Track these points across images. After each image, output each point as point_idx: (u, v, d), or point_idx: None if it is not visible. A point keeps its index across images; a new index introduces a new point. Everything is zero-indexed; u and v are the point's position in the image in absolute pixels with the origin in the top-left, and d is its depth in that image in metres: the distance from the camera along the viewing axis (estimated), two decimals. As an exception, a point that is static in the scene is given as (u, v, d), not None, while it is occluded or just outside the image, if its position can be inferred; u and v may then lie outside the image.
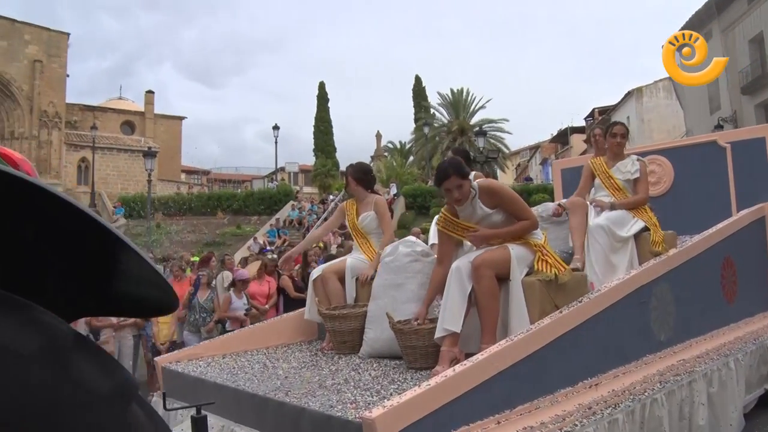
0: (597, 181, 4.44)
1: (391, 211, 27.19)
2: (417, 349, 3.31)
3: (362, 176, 4.44)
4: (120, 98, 44.21)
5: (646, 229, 4.11)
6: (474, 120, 36.93)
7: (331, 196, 33.73)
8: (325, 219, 26.57)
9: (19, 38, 35.28)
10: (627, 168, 4.29)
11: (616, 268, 3.92)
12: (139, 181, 35.14)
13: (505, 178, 38.00)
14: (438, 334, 3.16)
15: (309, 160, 43.57)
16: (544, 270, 3.34)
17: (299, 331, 4.34)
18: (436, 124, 36.99)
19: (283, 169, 43.91)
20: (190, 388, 3.42)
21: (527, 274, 3.37)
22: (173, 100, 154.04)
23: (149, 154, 29.14)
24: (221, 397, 3.12)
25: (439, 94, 38.76)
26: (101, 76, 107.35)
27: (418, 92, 41.57)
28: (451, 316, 3.16)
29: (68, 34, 37.24)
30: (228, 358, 3.83)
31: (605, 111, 37.66)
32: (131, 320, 7.40)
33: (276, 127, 34.05)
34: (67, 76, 37.00)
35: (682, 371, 3.72)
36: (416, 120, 39.20)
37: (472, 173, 4.95)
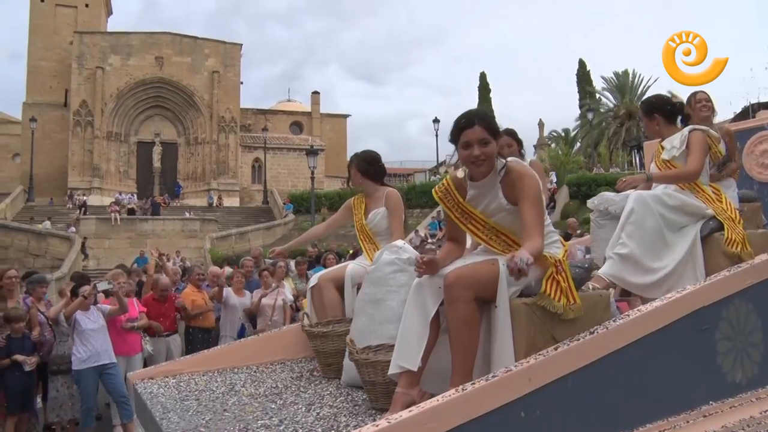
0: (653, 166, 3.46)
1: (554, 201, 25.86)
2: (377, 386, 2.67)
3: (367, 167, 3.82)
4: (288, 101, 46.98)
5: (720, 227, 3.02)
6: (642, 102, 33.75)
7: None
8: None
9: (200, 53, 38.95)
10: (673, 143, 3.26)
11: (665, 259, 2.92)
12: (307, 178, 36.95)
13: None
14: (391, 371, 2.50)
15: (472, 151, 42.97)
16: (551, 295, 2.47)
17: (305, 346, 3.84)
18: (601, 110, 34.47)
19: (444, 162, 43.91)
20: (142, 411, 3.11)
21: (522, 294, 2.56)
22: (339, 99, 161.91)
23: (312, 152, 30.59)
24: (152, 429, 2.75)
25: (603, 78, 36.16)
26: (272, 81, 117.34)
27: (582, 77, 39.13)
28: (406, 349, 2.47)
29: (241, 45, 40.41)
30: (207, 375, 3.46)
31: (801, 81, 32.24)
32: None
33: (436, 120, 34.39)
34: (241, 83, 40.17)
35: (768, 428, 2.65)
36: (581, 106, 37.06)
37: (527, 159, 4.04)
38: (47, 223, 27.76)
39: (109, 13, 46.27)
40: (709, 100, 3.96)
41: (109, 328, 6.44)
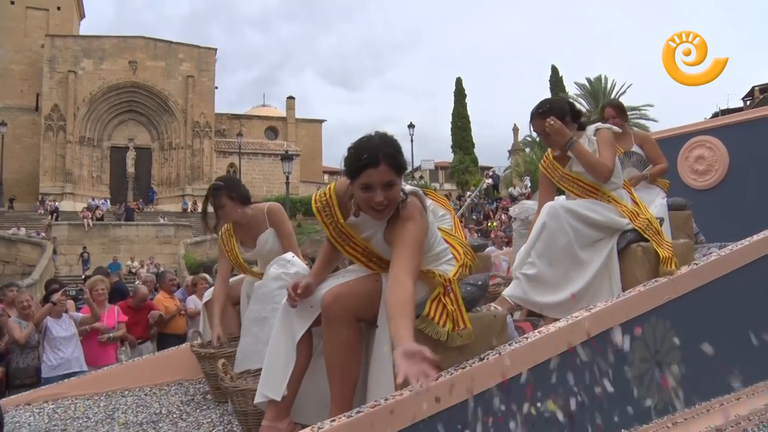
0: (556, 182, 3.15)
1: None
2: (249, 417, 2.40)
3: (240, 193, 3.27)
4: (264, 106, 46.56)
5: (638, 238, 2.78)
6: (615, 108, 33.95)
7: (468, 192, 32.78)
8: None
9: (175, 57, 38.46)
10: None
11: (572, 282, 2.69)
12: (282, 183, 36.57)
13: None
14: (257, 400, 2.23)
15: (448, 156, 43.33)
16: (436, 318, 2.16)
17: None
18: (575, 115, 34.64)
19: (419, 167, 44.15)
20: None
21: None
22: (315, 105, 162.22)
23: (287, 157, 30.35)
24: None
25: (576, 84, 36.34)
26: (248, 86, 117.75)
27: (556, 82, 39.11)
28: (271, 377, 2.20)
29: (215, 50, 39.95)
30: (92, 400, 3.16)
31: (767, 89, 32.56)
32: None
33: (411, 126, 34.56)
34: (216, 87, 39.66)
35: (681, 460, 2.41)
36: (555, 111, 36.95)
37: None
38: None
39: (82, 16, 45.54)
40: (615, 116, 3.85)
41: (87, 338, 6.26)
